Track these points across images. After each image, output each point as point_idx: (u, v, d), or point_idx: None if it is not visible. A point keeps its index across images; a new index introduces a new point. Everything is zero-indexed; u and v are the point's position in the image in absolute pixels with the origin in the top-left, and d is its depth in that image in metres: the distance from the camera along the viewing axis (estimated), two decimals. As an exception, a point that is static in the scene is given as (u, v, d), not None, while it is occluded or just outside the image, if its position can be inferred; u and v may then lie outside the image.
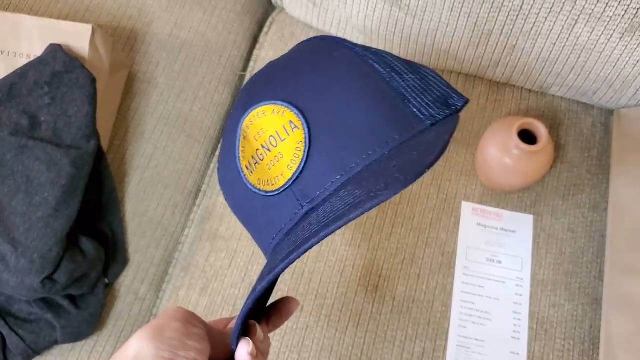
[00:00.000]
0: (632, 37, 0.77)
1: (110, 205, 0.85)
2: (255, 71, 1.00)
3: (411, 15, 0.86)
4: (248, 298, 0.42)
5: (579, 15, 0.77)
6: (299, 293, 0.82)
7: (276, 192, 0.45)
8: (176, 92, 0.95)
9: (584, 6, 0.75)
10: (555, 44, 0.82)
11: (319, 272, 0.83)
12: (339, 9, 0.92)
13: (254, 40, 1.04)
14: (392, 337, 0.80)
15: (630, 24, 0.75)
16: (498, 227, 0.86)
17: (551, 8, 0.77)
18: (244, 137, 0.48)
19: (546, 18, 0.79)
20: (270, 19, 1.05)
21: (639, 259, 0.79)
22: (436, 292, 0.82)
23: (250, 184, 0.47)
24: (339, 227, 0.37)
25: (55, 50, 0.80)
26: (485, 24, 0.83)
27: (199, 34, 0.99)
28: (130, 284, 0.85)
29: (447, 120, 0.47)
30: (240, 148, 0.48)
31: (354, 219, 0.36)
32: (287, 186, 0.45)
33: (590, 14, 0.76)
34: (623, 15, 0.75)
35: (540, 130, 0.78)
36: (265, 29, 1.04)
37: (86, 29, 0.82)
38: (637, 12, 0.74)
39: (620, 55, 0.80)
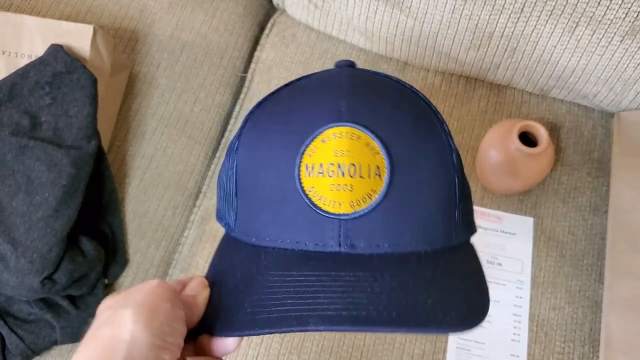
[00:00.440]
0: (633, 40, 0.77)
1: (110, 206, 0.85)
2: (256, 73, 1.00)
3: (412, 18, 0.86)
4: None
5: (580, 18, 0.77)
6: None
7: (324, 213, 0.43)
8: (177, 93, 0.95)
9: (584, 9, 0.76)
10: (555, 46, 0.82)
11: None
12: (341, 10, 0.92)
13: (255, 42, 1.05)
14: (392, 338, 0.80)
15: (631, 27, 0.75)
16: (498, 229, 0.86)
17: (552, 11, 0.77)
18: (324, 140, 0.44)
19: (547, 21, 0.79)
20: (271, 21, 1.05)
21: (639, 262, 0.79)
22: (436, 294, 0.82)
23: (301, 185, 0.44)
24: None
25: (57, 51, 0.80)
26: (486, 27, 0.83)
27: (200, 35, 0.99)
28: (129, 284, 0.85)
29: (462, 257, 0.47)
30: (313, 144, 0.45)
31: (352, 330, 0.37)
32: (339, 217, 0.43)
33: (591, 17, 0.76)
34: (624, 19, 0.75)
35: (541, 132, 0.78)
36: (266, 31, 1.04)
37: (87, 30, 0.82)
38: (637, 15, 0.74)
39: (621, 58, 0.80)
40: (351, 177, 0.43)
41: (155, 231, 0.88)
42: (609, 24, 0.76)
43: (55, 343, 0.79)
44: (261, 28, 1.06)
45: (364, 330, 0.38)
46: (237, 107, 0.99)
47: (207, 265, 0.85)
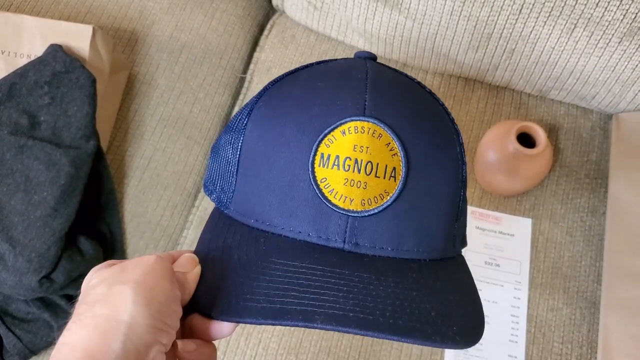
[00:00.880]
0: (631, 42, 0.77)
1: (108, 206, 0.85)
2: (255, 73, 1.00)
3: (411, 19, 0.86)
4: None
5: (578, 20, 0.77)
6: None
7: (333, 207, 0.42)
8: (176, 93, 0.95)
9: (582, 10, 0.76)
10: (554, 48, 0.82)
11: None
12: (340, 12, 0.92)
13: (255, 43, 1.05)
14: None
15: (628, 28, 0.75)
16: (497, 230, 0.86)
17: (550, 12, 0.77)
18: (344, 132, 0.43)
19: (545, 22, 0.79)
20: (270, 22, 1.05)
21: (637, 263, 0.79)
22: (434, 294, 0.82)
23: (313, 174, 0.43)
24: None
25: (56, 51, 0.80)
26: (485, 28, 0.83)
27: (200, 36, 1.00)
28: (128, 284, 0.85)
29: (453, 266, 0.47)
30: (332, 135, 0.43)
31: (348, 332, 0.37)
32: (348, 214, 0.42)
33: (589, 18, 0.76)
34: (622, 20, 0.75)
35: (539, 133, 0.79)
36: (265, 32, 1.04)
37: (87, 30, 0.83)
38: (635, 17, 0.74)
39: (619, 59, 0.80)
40: (367, 174, 0.42)
41: (154, 231, 0.88)
42: (607, 26, 0.76)
43: (53, 342, 0.79)
44: (260, 29, 1.06)
45: (371, 335, 0.37)
46: (236, 108, 1.00)
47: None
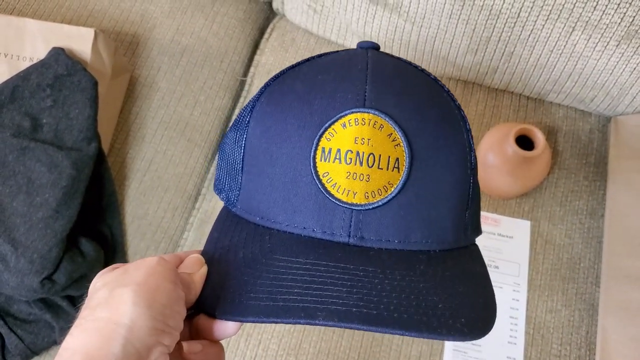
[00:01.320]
0: (629, 45, 0.78)
1: (110, 208, 0.86)
2: (256, 77, 1.01)
3: (410, 22, 0.87)
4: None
5: (576, 23, 0.78)
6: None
7: (336, 201, 0.42)
8: (177, 96, 0.96)
9: (580, 14, 0.76)
10: (552, 51, 0.83)
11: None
12: (339, 15, 0.93)
13: (255, 46, 1.05)
14: (389, 340, 0.80)
15: (626, 31, 0.76)
16: (495, 232, 0.86)
17: (548, 15, 0.78)
18: (344, 125, 0.42)
19: (543, 25, 0.80)
20: (271, 25, 1.06)
21: (636, 265, 0.79)
22: (433, 296, 0.82)
23: (315, 169, 0.42)
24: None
25: (58, 54, 0.80)
26: (484, 31, 0.84)
27: (201, 39, 1.00)
28: (129, 286, 0.85)
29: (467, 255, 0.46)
30: (333, 128, 0.43)
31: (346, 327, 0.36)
32: (352, 207, 0.42)
33: (587, 22, 0.77)
34: (619, 23, 0.75)
35: (538, 136, 0.79)
36: (266, 35, 1.05)
37: (89, 33, 0.83)
38: (633, 20, 0.74)
39: (617, 62, 0.81)
40: (369, 167, 0.42)
41: (155, 233, 0.89)
42: (605, 29, 0.77)
43: (55, 343, 0.79)
44: (261, 32, 1.07)
45: (375, 330, 0.36)
46: (236, 111, 1.00)
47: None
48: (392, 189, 0.42)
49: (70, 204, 0.76)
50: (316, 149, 0.42)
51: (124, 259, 0.85)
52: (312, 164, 0.42)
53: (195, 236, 0.91)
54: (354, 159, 0.42)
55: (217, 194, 0.50)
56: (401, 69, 0.48)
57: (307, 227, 0.42)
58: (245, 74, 1.03)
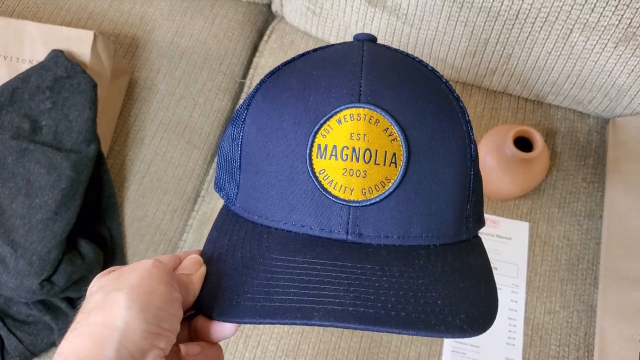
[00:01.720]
0: (626, 47, 0.78)
1: (109, 209, 0.86)
2: (255, 79, 1.01)
3: (408, 24, 0.87)
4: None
5: (574, 25, 0.78)
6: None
7: (333, 198, 0.41)
8: (176, 98, 0.96)
9: (578, 16, 0.76)
10: (550, 52, 0.83)
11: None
12: (338, 17, 0.93)
13: (254, 48, 1.06)
14: (388, 342, 0.80)
15: (624, 33, 0.76)
16: (494, 234, 0.86)
17: (546, 17, 0.78)
18: (340, 121, 0.42)
19: (541, 27, 0.80)
20: (270, 28, 1.06)
21: (634, 267, 0.79)
22: (432, 298, 0.83)
23: (311, 166, 0.42)
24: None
25: (57, 56, 0.81)
26: (482, 33, 0.84)
27: (200, 41, 1.01)
28: (128, 287, 0.85)
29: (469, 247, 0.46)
30: (328, 124, 0.42)
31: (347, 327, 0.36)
32: (349, 204, 0.41)
33: (585, 24, 0.77)
34: (617, 25, 0.76)
35: (536, 137, 0.79)
36: (265, 37, 1.05)
37: (88, 35, 0.84)
38: (630, 22, 0.75)
39: (615, 64, 0.81)
40: (366, 162, 0.41)
41: (154, 235, 0.89)
42: (603, 31, 0.77)
43: (54, 345, 0.80)
44: (260, 35, 1.07)
45: (371, 329, 0.36)
46: (235, 113, 1.00)
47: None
48: (390, 185, 0.41)
49: (69, 205, 0.76)
50: (312, 146, 0.42)
51: (123, 261, 0.86)
52: (308, 161, 0.42)
53: (194, 238, 0.91)
54: (350, 155, 0.41)
55: (218, 192, 0.50)
56: (397, 61, 0.47)
57: (304, 224, 0.42)
58: (245, 76, 1.03)
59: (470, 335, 0.38)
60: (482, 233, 0.85)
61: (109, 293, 0.35)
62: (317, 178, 0.42)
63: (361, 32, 0.92)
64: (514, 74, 0.90)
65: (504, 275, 0.84)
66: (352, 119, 0.42)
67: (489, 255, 0.85)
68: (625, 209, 0.83)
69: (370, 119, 0.42)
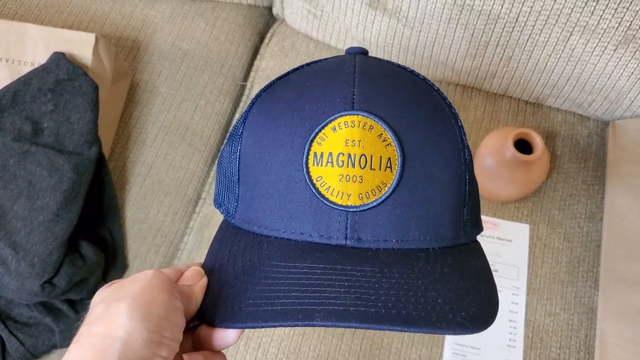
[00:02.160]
0: (626, 49, 0.78)
1: (110, 211, 0.86)
2: (256, 81, 1.02)
3: (409, 27, 0.87)
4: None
5: (574, 28, 0.78)
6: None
7: (331, 204, 0.42)
8: (177, 101, 0.96)
9: (578, 18, 0.77)
10: (550, 55, 0.83)
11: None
12: (339, 20, 0.94)
13: (255, 51, 1.06)
14: (388, 344, 0.80)
15: (624, 36, 0.76)
16: (494, 236, 0.86)
17: (546, 20, 0.78)
18: (334, 129, 0.43)
19: (541, 30, 0.80)
20: (271, 31, 1.06)
21: (634, 269, 0.79)
22: (432, 300, 0.83)
23: (308, 174, 0.43)
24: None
25: (59, 58, 0.81)
26: (482, 36, 0.84)
27: (201, 44, 1.01)
28: (129, 289, 0.85)
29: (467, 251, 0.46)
30: (323, 132, 0.43)
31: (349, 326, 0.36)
32: (347, 209, 0.42)
33: (585, 26, 0.77)
34: (617, 28, 0.76)
35: (536, 139, 0.79)
36: (266, 40, 1.05)
37: (89, 38, 0.84)
38: (630, 25, 0.75)
39: (615, 67, 0.81)
40: (362, 168, 0.42)
41: (155, 237, 0.89)
42: (603, 33, 0.77)
43: (55, 347, 0.80)
44: (261, 37, 1.08)
45: (372, 327, 0.36)
46: (236, 115, 1.01)
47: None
48: (386, 189, 0.42)
49: (70, 207, 0.76)
50: (308, 154, 0.43)
51: (124, 263, 0.86)
52: (305, 169, 0.43)
53: (195, 240, 0.91)
54: (346, 161, 0.42)
55: (217, 208, 0.51)
56: (389, 70, 0.49)
57: (304, 232, 0.43)
58: (246, 78, 1.03)
59: (472, 332, 0.38)
60: (483, 235, 0.86)
61: (110, 304, 0.36)
62: (314, 185, 0.42)
63: (361, 34, 0.93)
64: (514, 77, 0.90)
65: (504, 278, 0.84)
66: (346, 126, 0.43)
67: (489, 257, 0.85)
68: (626, 211, 0.83)
69: (364, 126, 0.43)
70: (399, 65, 0.51)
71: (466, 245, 0.46)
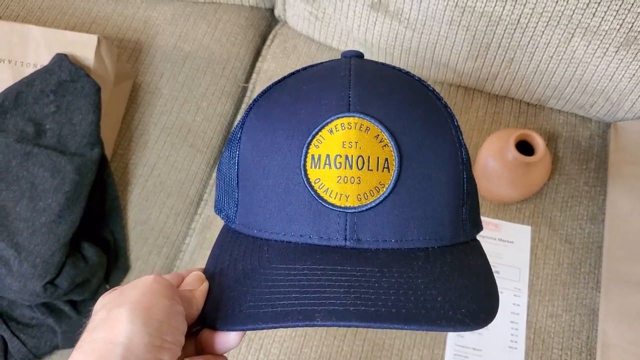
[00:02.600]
0: (628, 51, 0.78)
1: (112, 213, 0.86)
2: (257, 83, 1.02)
3: (411, 29, 0.87)
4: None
5: (575, 29, 0.78)
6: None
7: (330, 206, 0.42)
8: (179, 102, 0.97)
9: (580, 20, 0.77)
10: (552, 57, 0.83)
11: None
12: (341, 22, 0.94)
13: (257, 53, 1.06)
14: (390, 345, 0.80)
15: (625, 37, 0.76)
16: (496, 237, 0.86)
17: (548, 22, 0.79)
18: (331, 131, 0.43)
19: (543, 32, 0.80)
20: (273, 32, 1.06)
21: (636, 270, 0.79)
22: (434, 301, 0.83)
23: (306, 176, 0.43)
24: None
25: (61, 60, 0.81)
26: (484, 37, 0.84)
27: (203, 46, 1.01)
28: (131, 290, 0.85)
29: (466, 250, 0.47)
30: (320, 135, 0.43)
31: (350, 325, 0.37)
32: (346, 211, 0.42)
33: (586, 28, 0.77)
34: (618, 29, 0.76)
35: (538, 141, 0.79)
36: (268, 42, 1.06)
37: (92, 40, 0.84)
38: (632, 26, 0.75)
39: (616, 68, 0.81)
40: (359, 169, 0.42)
41: (157, 238, 0.89)
42: (604, 35, 0.77)
43: (57, 347, 0.80)
44: (263, 39, 1.08)
45: (372, 326, 0.37)
46: (238, 117, 1.01)
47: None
48: (384, 189, 0.42)
49: (73, 208, 0.77)
50: (306, 157, 0.43)
51: (126, 264, 0.86)
52: (303, 172, 0.43)
53: (197, 241, 0.91)
54: (344, 162, 0.42)
55: (218, 214, 0.51)
56: (384, 72, 0.49)
57: (303, 234, 0.43)
58: (247, 80, 1.04)
59: (472, 329, 0.39)
60: (484, 236, 0.86)
61: (111, 310, 0.36)
62: (312, 188, 0.43)
63: (363, 36, 0.93)
64: (515, 78, 0.90)
65: (506, 279, 0.84)
66: (343, 128, 0.43)
67: (491, 258, 0.85)
68: (627, 213, 0.83)
69: (361, 127, 0.43)
70: (394, 67, 0.51)
71: (466, 244, 0.46)
